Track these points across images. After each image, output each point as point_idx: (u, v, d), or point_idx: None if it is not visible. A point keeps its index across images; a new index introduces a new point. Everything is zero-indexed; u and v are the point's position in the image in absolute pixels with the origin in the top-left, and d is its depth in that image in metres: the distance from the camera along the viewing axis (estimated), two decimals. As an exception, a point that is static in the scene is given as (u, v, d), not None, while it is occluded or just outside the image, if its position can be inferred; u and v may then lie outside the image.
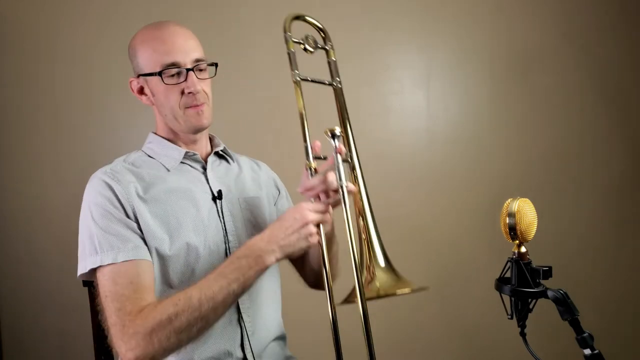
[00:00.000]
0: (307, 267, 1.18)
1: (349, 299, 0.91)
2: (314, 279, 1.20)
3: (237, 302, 1.02)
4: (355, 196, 0.99)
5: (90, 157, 1.96)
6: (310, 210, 0.93)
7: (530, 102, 2.21)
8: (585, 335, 0.76)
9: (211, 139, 1.17)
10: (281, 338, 1.15)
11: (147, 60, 1.01)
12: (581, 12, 2.22)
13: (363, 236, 0.97)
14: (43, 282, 1.96)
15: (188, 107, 1.02)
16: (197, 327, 0.87)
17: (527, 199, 0.85)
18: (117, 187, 0.97)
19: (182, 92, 1.01)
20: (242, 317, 1.03)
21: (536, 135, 2.22)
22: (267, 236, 0.93)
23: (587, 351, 0.75)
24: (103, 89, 1.99)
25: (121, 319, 0.87)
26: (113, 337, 0.88)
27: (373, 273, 0.94)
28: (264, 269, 0.92)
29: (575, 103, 2.23)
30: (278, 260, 0.93)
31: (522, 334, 0.83)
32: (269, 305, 1.11)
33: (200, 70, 1.04)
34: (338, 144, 0.92)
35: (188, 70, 1.00)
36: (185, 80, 1.00)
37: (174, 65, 0.99)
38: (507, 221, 0.84)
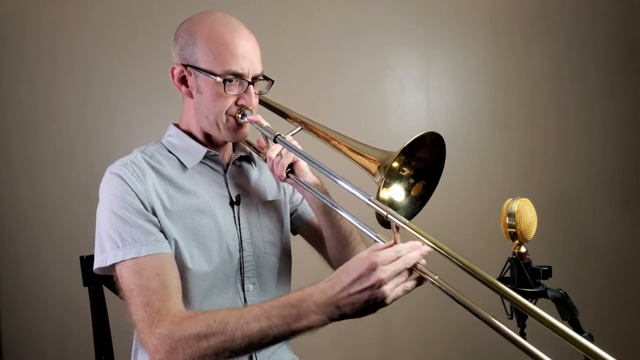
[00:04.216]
0: (329, 252, 1.13)
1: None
2: (337, 264, 1.13)
3: None
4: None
5: (90, 157, 1.97)
6: (383, 259, 0.72)
7: (530, 102, 2.21)
8: (585, 335, 0.76)
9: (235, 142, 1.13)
10: (286, 342, 1.13)
11: (210, 58, 0.95)
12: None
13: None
14: (43, 281, 1.96)
15: (233, 116, 0.99)
16: (224, 356, 0.80)
17: (527, 199, 0.85)
18: (137, 182, 0.94)
19: (235, 102, 0.98)
20: None
21: (536, 135, 2.22)
22: (329, 289, 0.75)
23: (587, 351, 0.75)
24: (103, 89, 1.98)
25: (149, 314, 0.83)
26: (140, 333, 0.84)
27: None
28: (312, 327, 0.76)
29: (575, 103, 2.24)
30: (332, 321, 0.76)
31: (522, 334, 0.83)
32: None
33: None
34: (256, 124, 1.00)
35: (249, 83, 0.98)
36: (245, 92, 0.98)
37: (239, 75, 0.96)
38: (507, 221, 0.84)
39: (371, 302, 0.72)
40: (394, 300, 0.72)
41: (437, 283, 0.71)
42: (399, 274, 0.72)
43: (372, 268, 0.71)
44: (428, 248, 0.74)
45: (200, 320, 0.81)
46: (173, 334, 0.80)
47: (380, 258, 0.72)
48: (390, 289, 0.72)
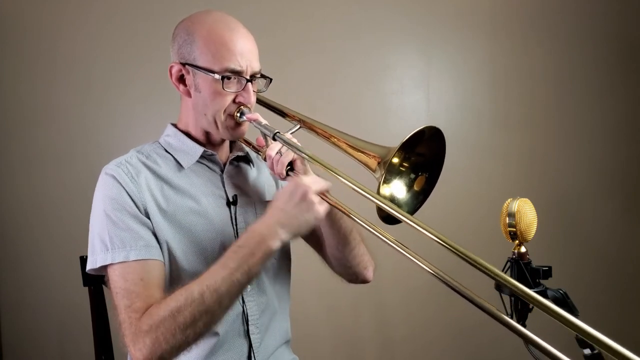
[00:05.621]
0: (328, 251, 1.13)
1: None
2: (336, 263, 1.13)
3: (247, 315, 1.01)
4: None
5: (90, 157, 1.96)
6: (306, 181, 0.89)
7: (530, 102, 2.21)
8: (585, 335, 0.76)
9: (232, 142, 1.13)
10: (286, 342, 1.13)
11: (209, 56, 0.95)
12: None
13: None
14: (43, 281, 1.96)
15: (231, 115, 1.00)
16: (202, 321, 0.83)
17: (527, 199, 0.85)
18: (130, 183, 0.94)
19: (233, 100, 0.99)
20: (250, 330, 1.01)
21: (536, 135, 2.22)
22: (267, 218, 0.89)
23: (587, 351, 0.75)
24: (103, 89, 1.98)
25: (129, 316, 0.85)
26: (123, 335, 0.86)
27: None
28: (269, 254, 0.87)
29: (575, 103, 2.24)
30: (284, 242, 0.88)
31: (522, 334, 0.83)
32: (279, 315, 1.09)
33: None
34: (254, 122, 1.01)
35: (247, 80, 0.98)
36: (243, 89, 0.98)
37: (237, 73, 0.96)
38: (507, 221, 0.84)
39: (304, 208, 0.87)
40: (318, 192, 0.88)
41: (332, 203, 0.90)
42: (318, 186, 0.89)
43: (298, 184, 0.88)
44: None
45: (168, 300, 0.85)
46: (150, 325, 0.83)
47: (302, 178, 0.90)
48: (315, 191, 0.88)
